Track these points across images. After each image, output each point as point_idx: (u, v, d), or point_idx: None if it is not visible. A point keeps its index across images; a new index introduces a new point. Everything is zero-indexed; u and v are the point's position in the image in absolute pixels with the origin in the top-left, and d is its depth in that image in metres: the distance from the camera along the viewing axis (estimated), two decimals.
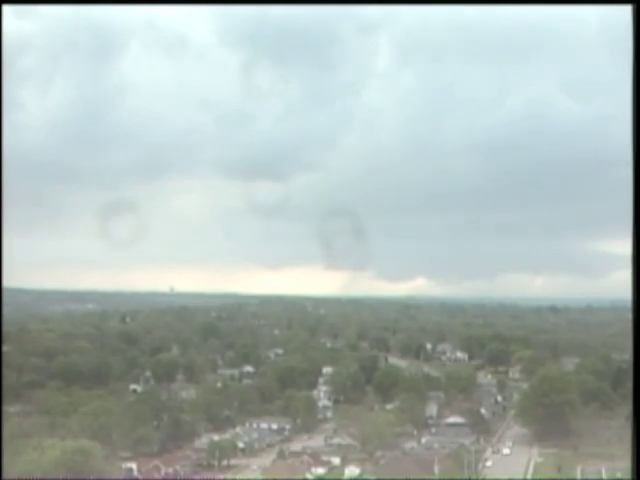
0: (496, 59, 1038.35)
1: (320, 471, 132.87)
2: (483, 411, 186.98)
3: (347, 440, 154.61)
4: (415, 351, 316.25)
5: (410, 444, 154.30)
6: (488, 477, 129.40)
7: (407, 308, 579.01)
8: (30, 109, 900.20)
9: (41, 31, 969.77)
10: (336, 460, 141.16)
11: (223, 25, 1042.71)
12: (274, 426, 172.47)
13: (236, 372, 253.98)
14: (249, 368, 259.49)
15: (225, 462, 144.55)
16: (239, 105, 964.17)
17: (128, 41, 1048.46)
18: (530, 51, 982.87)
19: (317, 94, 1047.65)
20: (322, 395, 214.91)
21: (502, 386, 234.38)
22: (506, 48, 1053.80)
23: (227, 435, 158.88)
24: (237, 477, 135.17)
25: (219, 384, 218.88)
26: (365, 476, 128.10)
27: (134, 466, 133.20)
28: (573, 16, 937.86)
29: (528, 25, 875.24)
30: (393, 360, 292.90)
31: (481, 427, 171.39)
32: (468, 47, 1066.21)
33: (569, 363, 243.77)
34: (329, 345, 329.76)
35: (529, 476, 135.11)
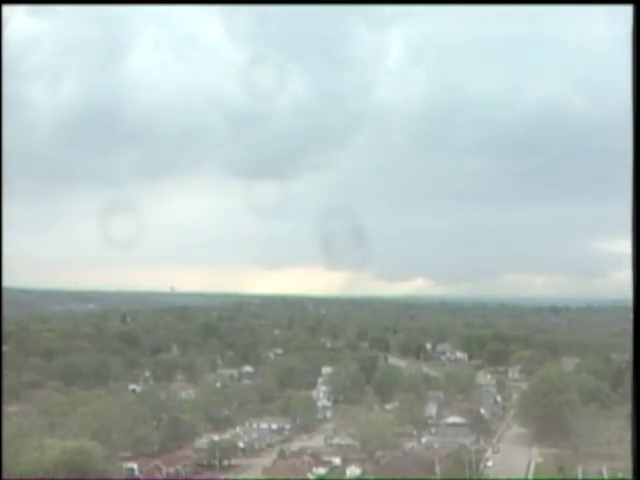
0: (507, 57, 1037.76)
1: (321, 471, 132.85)
2: (483, 411, 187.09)
3: (347, 440, 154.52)
4: (415, 351, 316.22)
5: (410, 444, 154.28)
6: (489, 477, 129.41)
7: (407, 308, 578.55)
8: (37, 107, 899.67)
9: (51, 29, 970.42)
10: (337, 460, 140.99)
11: (232, 23, 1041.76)
12: (274, 426, 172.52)
13: (235, 372, 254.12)
14: (249, 368, 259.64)
15: (226, 462, 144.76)
16: (247, 103, 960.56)
17: (136, 39, 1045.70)
18: (541, 49, 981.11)
19: (327, 93, 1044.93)
20: (322, 395, 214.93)
21: (502, 386, 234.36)
22: (516, 46, 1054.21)
23: (227, 435, 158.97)
24: (238, 477, 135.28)
25: (218, 384, 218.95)
26: (366, 476, 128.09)
27: (135, 466, 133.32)
28: (582, 14, 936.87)
29: (538, 24, 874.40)
30: (393, 360, 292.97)
31: (481, 427, 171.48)
32: (479, 46, 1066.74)
33: (569, 363, 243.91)
34: (329, 345, 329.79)
35: (530, 476, 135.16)
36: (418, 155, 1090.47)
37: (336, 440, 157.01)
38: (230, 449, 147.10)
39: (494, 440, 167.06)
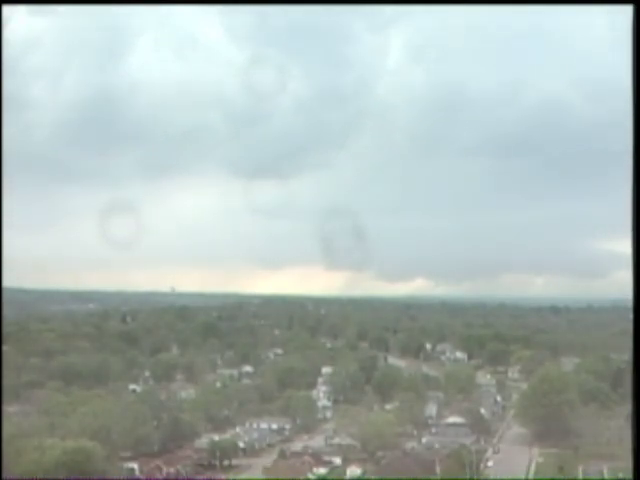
0: (506, 58, 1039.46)
1: (321, 471, 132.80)
2: (483, 411, 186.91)
3: (347, 440, 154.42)
4: (415, 351, 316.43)
5: (410, 444, 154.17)
6: (490, 477, 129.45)
7: (407, 308, 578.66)
8: (37, 107, 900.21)
9: (51, 29, 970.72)
10: (337, 460, 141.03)
11: (232, 23, 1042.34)
12: (274, 426, 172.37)
13: (236, 372, 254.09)
14: (248, 368, 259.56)
15: (226, 462, 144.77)
16: (247, 103, 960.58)
17: (136, 39, 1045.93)
18: (541, 49, 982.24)
19: (327, 92, 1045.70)
20: (322, 395, 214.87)
21: (501, 386, 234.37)
22: (516, 47, 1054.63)
23: (227, 435, 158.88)
24: (238, 477, 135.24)
25: (218, 384, 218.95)
26: (367, 476, 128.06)
27: (135, 466, 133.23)
28: (582, 14, 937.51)
29: (539, 23, 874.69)
30: (393, 360, 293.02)
31: (481, 427, 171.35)
32: (479, 46, 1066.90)
33: (569, 363, 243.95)
34: (329, 345, 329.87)
35: (530, 476, 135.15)
36: (418, 155, 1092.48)
37: (336, 440, 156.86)
38: (230, 449, 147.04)
39: (494, 440, 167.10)
